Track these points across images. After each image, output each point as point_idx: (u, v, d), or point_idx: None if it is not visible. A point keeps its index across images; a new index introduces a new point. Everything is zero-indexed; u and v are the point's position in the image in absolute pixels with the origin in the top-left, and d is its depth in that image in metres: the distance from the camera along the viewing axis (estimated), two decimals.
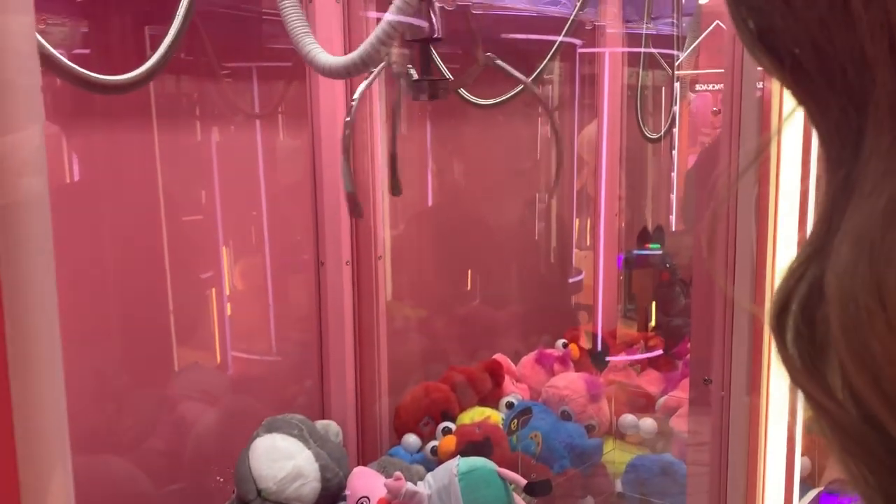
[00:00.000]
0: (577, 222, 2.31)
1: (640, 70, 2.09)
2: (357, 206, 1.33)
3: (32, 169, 0.45)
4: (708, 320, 0.99)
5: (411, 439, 1.41)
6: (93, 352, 1.23)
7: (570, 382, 1.54)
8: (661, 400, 1.54)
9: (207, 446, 1.39)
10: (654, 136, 2.18)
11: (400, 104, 1.39)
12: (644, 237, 2.10)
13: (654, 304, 2.00)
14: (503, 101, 1.62)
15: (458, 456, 1.15)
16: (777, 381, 0.94)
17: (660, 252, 2.02)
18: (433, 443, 1.35)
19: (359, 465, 1.45)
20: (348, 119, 1.30)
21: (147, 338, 1.33)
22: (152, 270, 1.32)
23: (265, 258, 1.50)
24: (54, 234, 0.53)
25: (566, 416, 1.47)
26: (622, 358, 1.72)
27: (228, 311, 1.46)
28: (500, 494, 1.10)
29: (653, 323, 1.99)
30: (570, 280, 2.35)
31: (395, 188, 1.38)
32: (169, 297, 1.34)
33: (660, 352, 1.80)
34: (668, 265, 2.01)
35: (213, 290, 1.44)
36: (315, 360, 1.53)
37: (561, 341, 1.85)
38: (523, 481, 1.11)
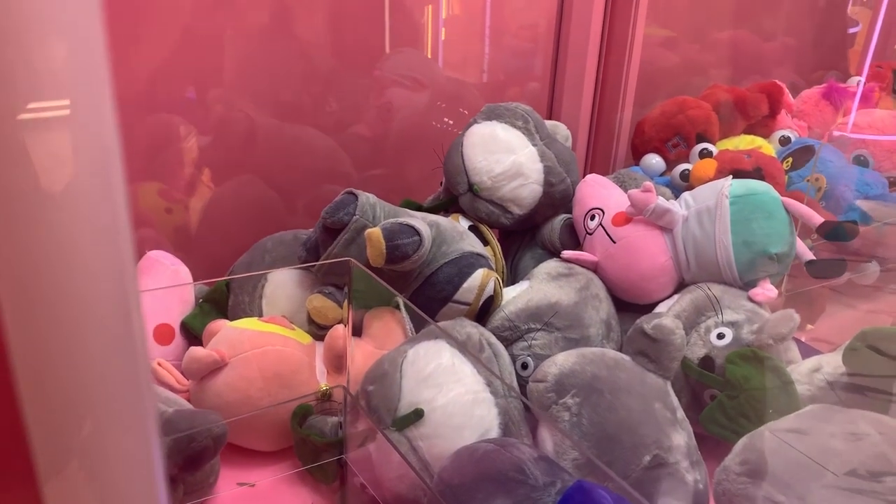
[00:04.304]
0: None
1: None
2: None
3: None
4: None
5: (654, 160, 1.15)
6: (300, 43, 1.07)
7: (874, 121, 1.17)
8: None
9: (415, 134, 1.24)
10: None
11: None
12: None
13: None
14: None
15: (731, 176, 0.88)
16: None
17: None
18: (685, 166, 1.08)
19: None
20: None
21: (357, 27, 1.14)
22: None
23: None
24: None
25: (861, 162, 1.13)
26: None
27: (443, 36, 1.23)
28: (783, 230, 0.82)
29: None
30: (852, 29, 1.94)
31: None
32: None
33: None
34: None
35: (430, 7, 1.21)
36: (547, 61, 1.28)
37: (855, 78, 1.44)
38: (818, 219, 0.83)
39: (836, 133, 1.19)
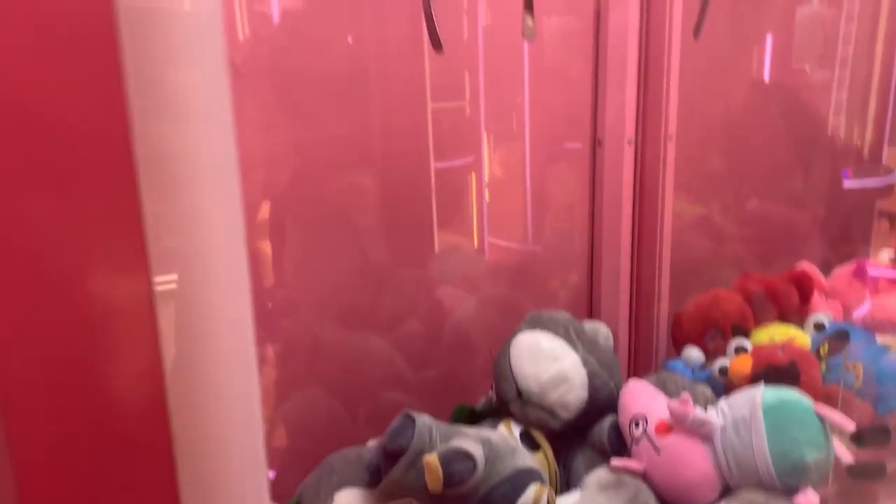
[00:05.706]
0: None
1: None
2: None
3: None
4: None
5: (694, 353, 1.21)
6: (356, 232, 1.19)
7: None
8: None
9: (463, 334, 1.32)
10: None
11: None
12: None
13: None
14: None
15: (762, 383, 0.93)
16: None
17: None
18: (723, 361, 1.14)
19: (629, 375, 1.29)
20: None
21: (409, 220, 1.26)
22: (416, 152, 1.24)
23: (525, 142, 1.36)
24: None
25: None
26: None
27: (487, 198, 1.35)
28: (818, 438, 0.87)
29: None
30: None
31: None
32: (432, 180, 1.26)
33: None
34: None
35: (474, 175, 1.34)
36: (584, 254, 1.38)
37: (887, 252, 1.50)
38: (851, 425, 0.87)
39: (866, 315, 1.23)
